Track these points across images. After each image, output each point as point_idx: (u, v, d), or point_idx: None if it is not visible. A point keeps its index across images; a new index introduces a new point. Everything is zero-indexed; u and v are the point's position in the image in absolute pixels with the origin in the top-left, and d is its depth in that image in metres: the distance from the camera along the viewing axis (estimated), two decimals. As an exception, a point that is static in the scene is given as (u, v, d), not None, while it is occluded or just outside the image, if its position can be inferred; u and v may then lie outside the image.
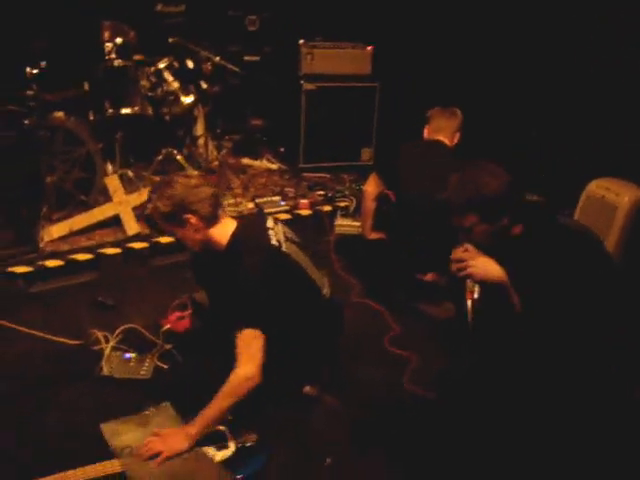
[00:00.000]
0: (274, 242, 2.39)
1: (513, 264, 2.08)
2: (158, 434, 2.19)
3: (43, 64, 3.94)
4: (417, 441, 2.37)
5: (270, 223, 2.50)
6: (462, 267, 2.12)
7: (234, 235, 2.40)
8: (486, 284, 2.12)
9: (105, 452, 2.18)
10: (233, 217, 2.55)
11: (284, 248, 2.41)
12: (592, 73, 3.92)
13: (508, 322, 2.13)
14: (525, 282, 2.04)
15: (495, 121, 4.41)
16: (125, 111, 4.19)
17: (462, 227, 2.15)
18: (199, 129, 4.80)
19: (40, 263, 3.53)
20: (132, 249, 3.79)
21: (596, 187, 3.59)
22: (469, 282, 2.15)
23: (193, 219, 2.34)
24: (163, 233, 3.46)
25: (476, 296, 2.16)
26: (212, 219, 2.38)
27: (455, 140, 3.49)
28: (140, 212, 3.88)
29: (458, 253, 2.16)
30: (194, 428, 2.17)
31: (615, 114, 3.80)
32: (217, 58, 4.40)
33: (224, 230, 2.41)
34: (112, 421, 2.34)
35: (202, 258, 2.56)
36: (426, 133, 3.53)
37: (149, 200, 2.44)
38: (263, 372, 2.19)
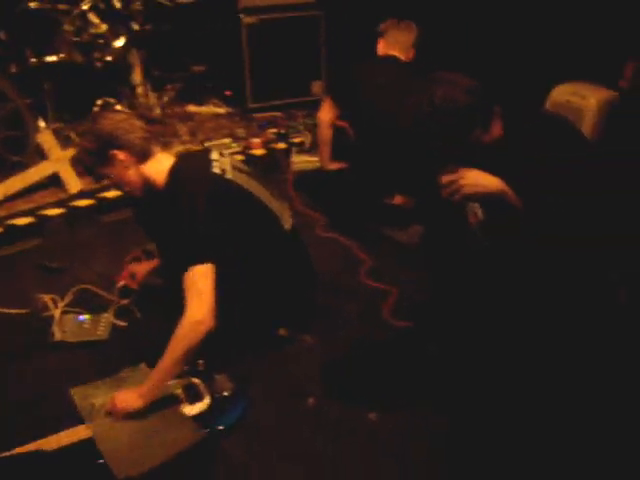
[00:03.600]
0: (217, 170, 2.18)
1: (503, 168, 1.90)
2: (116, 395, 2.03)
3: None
4: (401, 375, 2.25)
5: (215, 155, 2.27)
6: (455, 189, 1.91)
7: (172, 169, 2.18)
8: (485, 199, 1.94)
9: (78, 418, 2.03)
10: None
11: (229, 175, 2.20)
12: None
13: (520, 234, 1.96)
14: (520, 179, 1.87)
15: (451, 39, 4.20)
16: (50, 59, 3.85)
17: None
18: (137, 77, 4.48)
19: (-25, 232, 3.24)
20: (77, 208, 3.52)
21: (560, 93, 3.45)
22: (469, 205, 1.96)
23: (121, 155, 2.13)
24: (101, 178, 3.19)
25: (481, 217, 1.98)
26: (144, 154, 2.16)
27: (410, 55, 3.29)
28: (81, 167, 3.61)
29: (446, 176, 1.95)
30: (147, 384, 2.00)
31: (569, 19, 3.62)
32: (146, -8, 4.06)
33: (160, 166, 2.19)
34: (83, 385, 2.18)
35: (144, 204, 2.34)
36: (380, 48, 3.31)
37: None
38: (232, 315, 2.00)
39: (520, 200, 1.89)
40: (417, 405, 2.11)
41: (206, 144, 4.14)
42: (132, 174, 2.18)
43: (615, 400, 2.02)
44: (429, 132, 1.96)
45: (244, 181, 2.26)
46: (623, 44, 3.20)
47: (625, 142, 2.93)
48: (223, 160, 2.26)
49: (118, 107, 4.09)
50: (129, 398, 2.00)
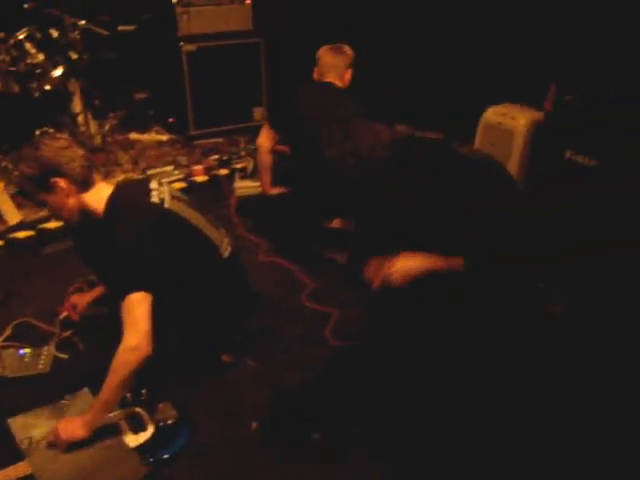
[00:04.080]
0: (155, 200, 2.20)
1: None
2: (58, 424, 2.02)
3: None
4: (344, 394, 2.29)
5: (154, 184, 2.29)
6: (386, 282, 2.00)
7: (110, 198, 2.18)
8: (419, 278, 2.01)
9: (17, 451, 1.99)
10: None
11: (167, 204, 2.22)
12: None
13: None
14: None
15: (387, 61, 4.34)
16: (-16, 90, 3.78)
17: None
18: (77, 106, 4.44)
19: None
20: (16, 239, 3.47)
21: (492, 114, 3.60)
22: None
23: (62, 182, 2.12)
24: (41, 205, 3.16)
25: None
26: (84, 183, 2.16)
27: (347, 78, 3.36)
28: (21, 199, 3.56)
29: (370, 271, 2.04)
30: (90, 413, 2.00)
31: (500, 42, 3.80)
32: (83, 22, 4.05)
33: (100, 195, 2.19)
34: (21, 415, 2.14)
35: (82, 233, 2.33)
36: (315, 74, 3.38)
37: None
38: (172, 342, 2.03)
39: (456, 259, 1.97)
40: (360, 425, 2.15)
41: (148, 172, 4.13)
42: (72, 202, 2.17)
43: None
44: (354, 182, 2.05)
45: (182, 210, 2.28)
46: (547, 70, 3.38)
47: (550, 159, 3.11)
48: (162, 189, 2.28)
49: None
50: (72, 427, 2.00)
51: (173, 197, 2.29)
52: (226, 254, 2.40)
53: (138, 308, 1.98)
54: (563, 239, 2.40)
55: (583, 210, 2.75)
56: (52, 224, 3.51)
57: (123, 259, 2.03)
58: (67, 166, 2.11)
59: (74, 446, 1.99)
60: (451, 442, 2.05)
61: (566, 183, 2.88)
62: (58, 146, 2.13)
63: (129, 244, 2.04)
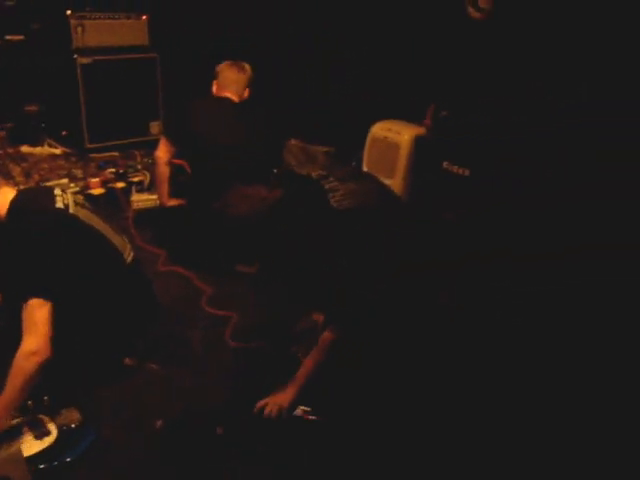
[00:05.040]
0: (59, 205, 2.23)
1: None
2: None
3: None
4: (248, 392, 2.38)
5: (57, 191, 2.32)
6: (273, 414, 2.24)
7: (13, 202, 2.19)
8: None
9: None
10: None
11: (72, 210, 2.26)
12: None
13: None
14: None
15: (282, 78, 4.52)
16: None
17: None
18: (-37, 117, 4.33)
19: None
20: None
21: (379, 129, 3.85)
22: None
23: None
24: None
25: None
26: None
27: (245, 95, 3.48)
28: None
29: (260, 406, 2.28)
30: None
31: (386, 65, 4.08)
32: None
33: (3, 199, 2.19)
34: None
35: None
36: (214, 89, 3.48)
37: None
38: (75, 346, 2.07)
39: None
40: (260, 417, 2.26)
41: (42, 185, 4.08)
42: None
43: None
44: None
45: (87, 216, 2.32)
46: (426, 89, 3.69)
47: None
48: (66, 195, 2.32)
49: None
50: None
51: (77, 203, 2.33)
52: (129, 259, 2.46)
53: (38, 312, 2.00)
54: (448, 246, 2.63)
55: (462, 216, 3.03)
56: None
57: (24, 263, 2.05)
58: None
59: None
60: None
61: (444, 191, 3.16)
62: None
63: (31, 248, 2.06)
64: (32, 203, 2.24)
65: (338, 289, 2.11)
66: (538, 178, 2.80)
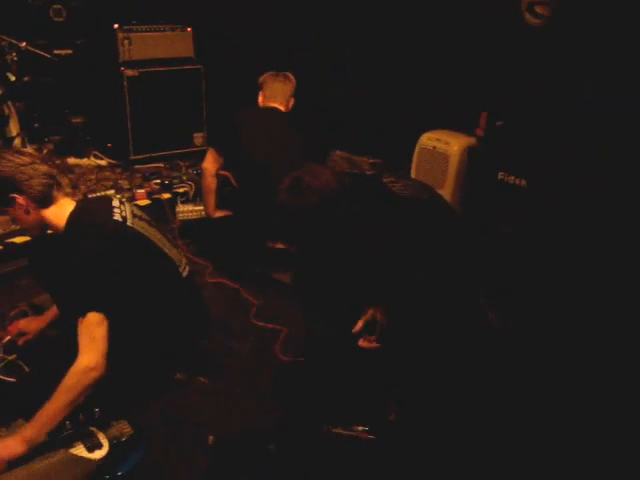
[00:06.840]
0: (117, 218, 2.21)
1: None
2: None
3: None
4: (296, 406, 2.35)
5: (116, 202, 2.31)
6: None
7: (72, 215, 2.19)
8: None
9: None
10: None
11: (129, 223, 2.24)
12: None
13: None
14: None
15: (327, 90, 4.49)
16: None
17: None
18: (13, 129, 4.38)
19: None
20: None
21: (427, 140, 3.78)
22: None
23: (20, 199, 2.12)
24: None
25: None
26: (45, 200, 2.16)
27: (290, 105, 3.47)
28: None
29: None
30: (29, 429, 1.95)
31: (435, 74, 4.01)
32: (23, 44, 4.01)
33: (61, 211, 2.19)
34: None
35: (41, 249, 2.33)
36: (260, 100, 3.48)
37: None
38: (129, 360, 2.03)
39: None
40: (315, 434, 2.21)
41: (89, 196, 4.10)
42: (32, 217, 2.17)
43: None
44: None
45: (144, 228, 2.30)
46: (477, 99, 3.60)
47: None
48: (124, 207, 2.30)
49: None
50: (9, 444, 1.92)
51: (135, 215, 2.31)
52: (185, 273, 2.43)
53: (96, 328, 1.99)
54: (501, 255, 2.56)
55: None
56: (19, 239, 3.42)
57: (81, 278, 2.03)
58: (26, 183, 2.11)
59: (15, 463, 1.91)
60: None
61: (499, 202, 3.07)
62: (19, 162, 2.12)
63: (90, 261, 2.05)
64: (90, 216, 2.22)
65: (395, 277, 2.06)
66: (599, 189, 2.69)
